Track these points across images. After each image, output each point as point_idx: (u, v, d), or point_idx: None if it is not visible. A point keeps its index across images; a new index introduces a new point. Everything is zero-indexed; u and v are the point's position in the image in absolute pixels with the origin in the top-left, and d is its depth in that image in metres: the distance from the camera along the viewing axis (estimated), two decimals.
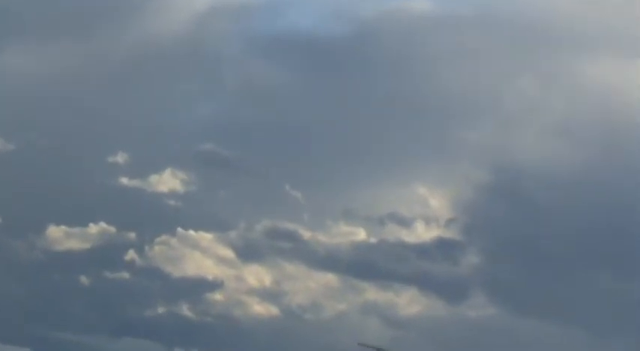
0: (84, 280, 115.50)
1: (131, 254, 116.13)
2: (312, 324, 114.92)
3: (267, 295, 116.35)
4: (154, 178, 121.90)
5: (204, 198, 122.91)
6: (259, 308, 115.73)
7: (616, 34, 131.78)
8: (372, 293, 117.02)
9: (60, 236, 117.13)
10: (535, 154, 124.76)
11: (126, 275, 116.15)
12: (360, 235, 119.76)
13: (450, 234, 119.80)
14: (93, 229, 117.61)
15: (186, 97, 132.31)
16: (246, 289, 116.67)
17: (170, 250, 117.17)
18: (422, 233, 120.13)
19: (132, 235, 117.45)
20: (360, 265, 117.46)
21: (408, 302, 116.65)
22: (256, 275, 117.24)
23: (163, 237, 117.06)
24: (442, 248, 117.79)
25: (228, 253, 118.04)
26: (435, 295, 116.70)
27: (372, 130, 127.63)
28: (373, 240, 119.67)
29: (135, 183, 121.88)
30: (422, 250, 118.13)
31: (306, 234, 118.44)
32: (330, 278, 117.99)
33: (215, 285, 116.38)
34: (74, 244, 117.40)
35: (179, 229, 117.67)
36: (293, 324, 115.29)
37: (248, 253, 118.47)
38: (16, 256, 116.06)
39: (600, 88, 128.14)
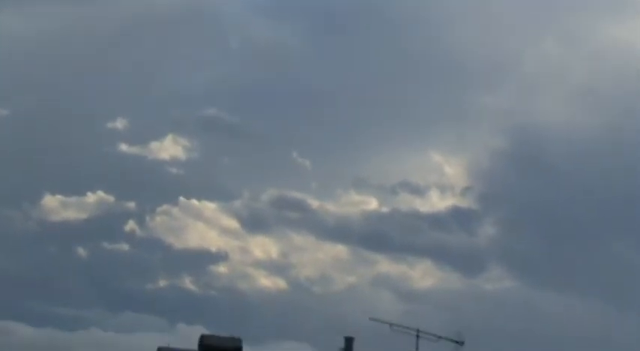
0: (81, 252, 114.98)
1: (131, 225, 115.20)
2: (321, 297, 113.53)
3: (274, 267, 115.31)
4: (154, 145, 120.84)
5: (208, 165, 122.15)
6: (266, 281, 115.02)
7: None
8: (384, 265, 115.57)
9: (56, 206, 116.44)
10: (556, 119, 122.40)
11: (125, 247, 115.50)
12: (372, 204, 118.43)
13: (466, 203, 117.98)
14: (90, 198, 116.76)
15: (188, 60, 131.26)
16: (252, 262, 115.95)
17: (172, 221, 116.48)
18: (436, 202, 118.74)
19: (131, 204, 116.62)
20: (372, 236, 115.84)
21: (422, 275, 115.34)
22: (262, 247, 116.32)
23: (165, 207, 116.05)
24: (458, 218, 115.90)
25: (233, 224, 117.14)
26: (450, 268, 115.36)
27: (384, 94, 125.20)
28: (385, 209, 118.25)
29: (135, 150, 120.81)
30: (436, 220, 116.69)
31: (314, 203, 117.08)
32: (340, 250, 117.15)
33: (219, 257, 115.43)
34: (71, 215, 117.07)
35: (181, 199, 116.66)
36: (301, 297, 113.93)
37: (253, 223, 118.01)
38: (10, 227, 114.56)
39: (625, 50, 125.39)
